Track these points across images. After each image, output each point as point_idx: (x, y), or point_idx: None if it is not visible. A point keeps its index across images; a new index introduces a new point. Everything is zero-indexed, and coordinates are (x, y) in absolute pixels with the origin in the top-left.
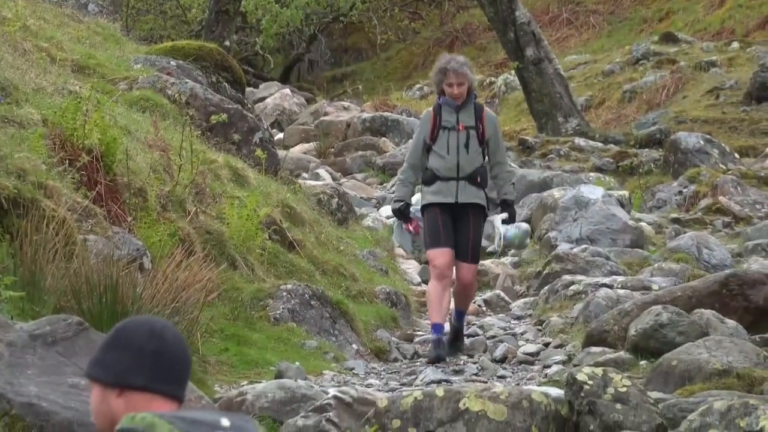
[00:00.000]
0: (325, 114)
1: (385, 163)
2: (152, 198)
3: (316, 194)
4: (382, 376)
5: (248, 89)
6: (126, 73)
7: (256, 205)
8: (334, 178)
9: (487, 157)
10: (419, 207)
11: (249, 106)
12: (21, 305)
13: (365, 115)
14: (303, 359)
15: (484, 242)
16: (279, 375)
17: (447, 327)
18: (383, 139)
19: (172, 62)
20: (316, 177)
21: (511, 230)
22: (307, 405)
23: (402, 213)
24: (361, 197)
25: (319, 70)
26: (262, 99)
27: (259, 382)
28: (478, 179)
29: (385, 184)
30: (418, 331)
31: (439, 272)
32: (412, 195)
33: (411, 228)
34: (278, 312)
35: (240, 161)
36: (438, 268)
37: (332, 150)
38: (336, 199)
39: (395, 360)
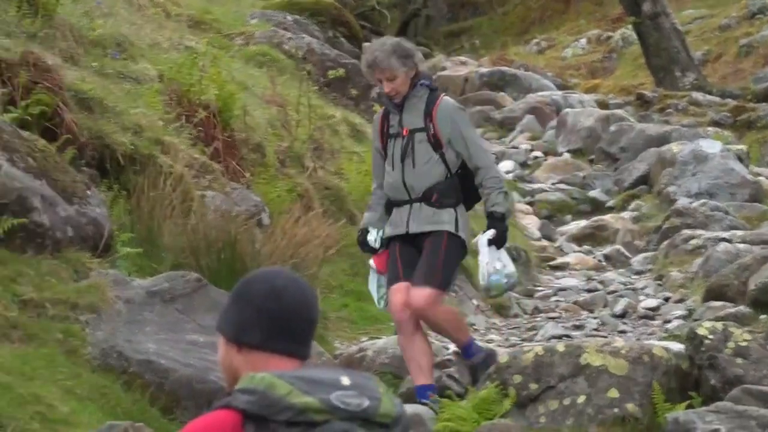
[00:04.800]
0: (443, 69)
1: (503, 117)
2: (270, 154)
3: None
4: (502, 332)
5: (365, 44)
6: (242, 28)
7: None
8: None
9: (450, 165)
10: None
11: None
12: (139, 262)
13: (483, 70)
14: None
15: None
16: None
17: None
18: (501, 93)
19: (288, 17)
20: None
21: (495, 277)
22: None
23: (363, 245)
24: None
25: (436, 26)
26: None
27: (379, 338)
28: (436, 197)
29: (503, 139)
30: (539, 287)
31: (396, 318)
32: (380, 220)
33: (374, 263)
34: None
35: (358, 116)
36: (392, 311)
37: None
38: None
39: (515, 316)
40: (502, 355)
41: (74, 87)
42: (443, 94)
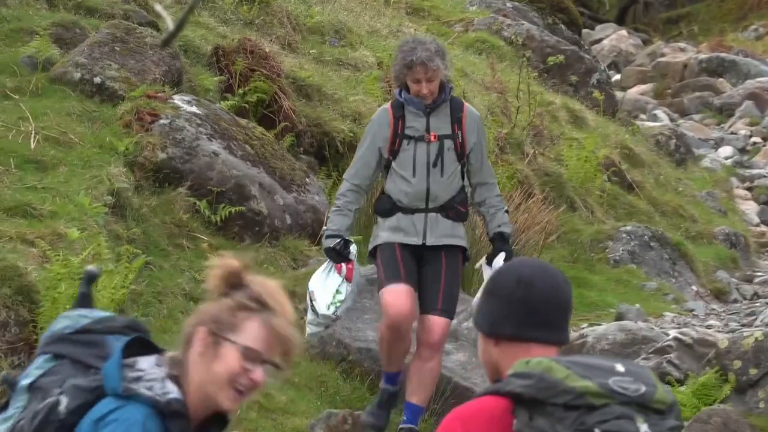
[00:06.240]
0: (662, 55)
1: (722, 103)
2: (490, 140)
3: (653, 135)
4: (722, 317)
5: (584, 31)
6: (461, 15)
7: (594, 147)
8: (671, 119)
9: (466, 177)
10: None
11: (585, 47)
12: (359, 249)
13: (701, 56)
14: (643, 301)
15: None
16: (619, 317)
17: None
18: (720, 79)
19: (507, 4)
20: (654, 118)
21: None
22: (648, 347)
23: (337, 253)
24: (698, 138)
25: (654, 12)
26: (599, 41)
27: (600, 324)
28: (456, 211)
29: (722, 125)
30: (758, 272)
31: (392, 321)
32: (351, 227)
33: (340, 270)
34: (618, 254)
35: (577, 103)
36: (393, 314)
37: (669, 91)
38: (674, 140)
39: (735, 301)
40: (722, 341)
41: (292, 74)
42: (462, 99)
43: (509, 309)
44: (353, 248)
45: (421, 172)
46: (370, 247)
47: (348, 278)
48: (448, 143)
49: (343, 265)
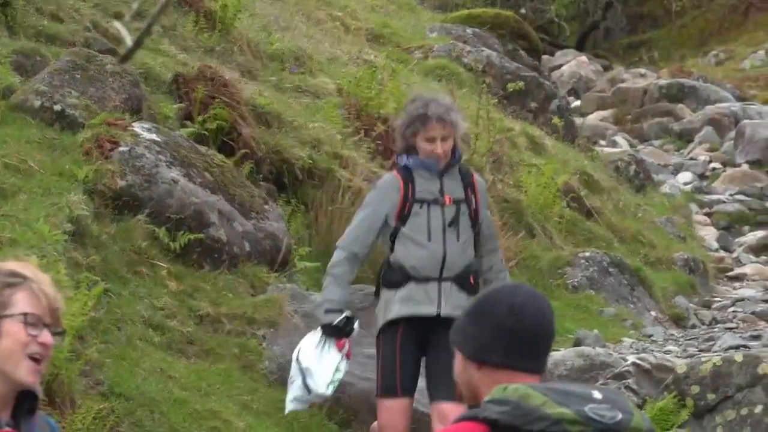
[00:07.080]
0: (622, 81)
1: (682, 129)
2: None
3: (613, 161)
4: (680, 343)
5: (544, 57)
6: (421, 41)
7: (553, 173)
8: (631, 145)
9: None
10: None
11: (545, 73)
12: (317, 276)
13: (662, 81)
14: (601, 327)
15: None
16: (577, 343)
17: None
18: (680, 105)
19: (468, 30)
20: (614, 144)
21: None
22: (606, 372)
23: (338, 329)
24: (658, 164)
25: (614, 38)
26: (558, 67)
27: (558, 350)
28: (471, 281)
29: (682, 151)
30: (716, 297)
31: None
32: (348, 300)
33: (342, 347)
34: (576, 280)
35: (537, 129)
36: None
37: (629, 117)
38: (633, 166)
39: (693, 326)
40: (680, 366)
41: (251, 101)
42: (469, 166)
43: (498, 337)
44: (356, 325)
45: (436, 236)
46: (381, 322)
47: (348, 356)
48: (463, 208)
49: (345, 341)
